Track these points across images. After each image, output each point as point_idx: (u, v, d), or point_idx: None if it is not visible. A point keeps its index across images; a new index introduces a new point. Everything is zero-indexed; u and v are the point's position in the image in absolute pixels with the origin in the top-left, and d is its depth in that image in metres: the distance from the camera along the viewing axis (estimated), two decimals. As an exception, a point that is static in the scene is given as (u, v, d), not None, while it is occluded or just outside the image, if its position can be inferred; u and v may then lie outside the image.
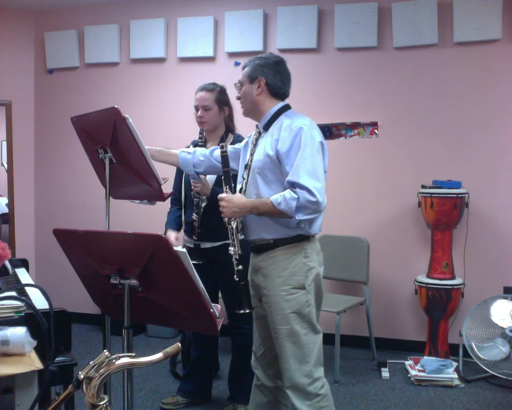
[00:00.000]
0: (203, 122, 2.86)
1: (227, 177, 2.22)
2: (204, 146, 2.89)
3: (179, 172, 3.02)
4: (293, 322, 2.15)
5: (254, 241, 2.24)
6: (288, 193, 2.08)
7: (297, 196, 2.05)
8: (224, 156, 2.23)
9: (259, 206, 2.14)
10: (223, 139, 2.88)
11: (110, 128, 2.17)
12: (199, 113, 2.87)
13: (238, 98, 2.33)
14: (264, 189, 2.18)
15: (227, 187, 2.20)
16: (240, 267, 2.16)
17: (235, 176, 2.38)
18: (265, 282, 2.20)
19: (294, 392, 2.18)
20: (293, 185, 2.08)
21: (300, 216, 2.07)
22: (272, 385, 2.35)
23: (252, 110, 2.30)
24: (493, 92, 3.89)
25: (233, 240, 2.18)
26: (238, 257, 2.16)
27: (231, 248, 2.18)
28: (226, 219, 2.19)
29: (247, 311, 2.20)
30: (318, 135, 2.18)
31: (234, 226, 2.17)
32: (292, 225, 2.14)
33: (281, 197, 2.08)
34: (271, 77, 2.23)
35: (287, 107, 2.28)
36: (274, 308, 2.18)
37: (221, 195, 2.19)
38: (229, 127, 2.94)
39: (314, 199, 2.05)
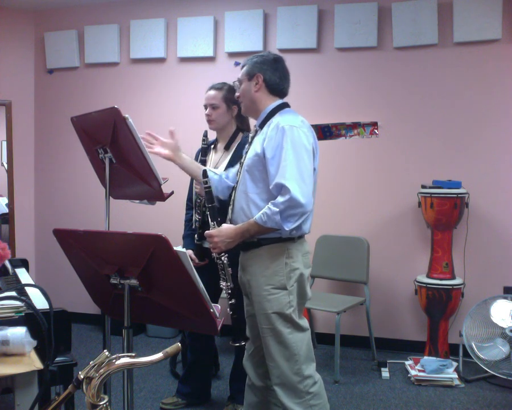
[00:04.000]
0: (211, 120, 2.88)
1: (213, 212, 2.19)
2: (208, 148, 2.90)
3: None
4: (276, 322, 2.13)
5: None
6: (268, 209, 2.05)
7: (278, 209, 2.02)
8: (209, 192, 2.20)
9: (249, 229, 2.11)
10: (232, 139, 2.88)
11: (110, 128, 2.17)
12: (207, 111, 2.88)
13: (237, 97, 2.32)
14: (251, 187, 2.17)
15: (214, 222, 2.17)
16: (233, 301, 2.16)
17: None
18: (251, 280, 2.21)
19: (283, 390, 2.14)
20: (280, 188, 2.05)
21: (289, 226, 2.05)
22: (262, 384, 2.33)
23: (250, 108, 2.28)
24: (493, 92, 3.89)
25: (224, 275, 2.18)
26: (230, 291, 2.17)
27: (223, 283, 2.19)
28: (215, 254, 2.17)
29: (243, 343, 2.22)
30: (307, 135, 2.14)
31: (226, 261, 2.16)
32: (284, 235, 2.11)
33: (265, 216, 2.05)
34: (269, 73, 2.21)
35: (284, 105, 2.25)
36: (257, 308, 2.18)
37: (208, 232, 2.16)
38: (239, 127, 2.94)
39: (298, 203, 2.02)
